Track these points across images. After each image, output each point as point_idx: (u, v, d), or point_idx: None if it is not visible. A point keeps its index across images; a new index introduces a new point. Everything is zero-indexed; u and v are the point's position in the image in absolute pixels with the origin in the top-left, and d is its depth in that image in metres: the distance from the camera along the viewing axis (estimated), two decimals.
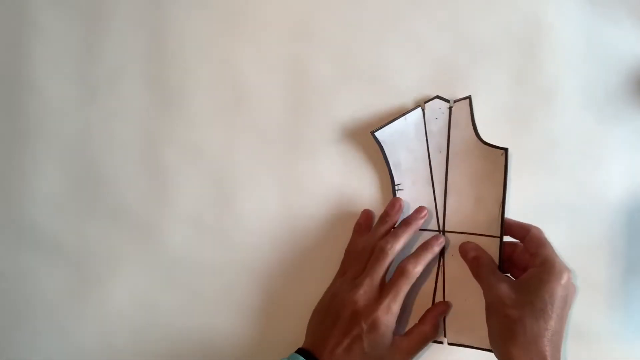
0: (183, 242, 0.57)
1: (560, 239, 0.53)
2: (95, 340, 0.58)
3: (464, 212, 0.54)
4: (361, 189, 0.55)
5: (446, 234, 0.54)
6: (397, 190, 0.55)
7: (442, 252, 0.54)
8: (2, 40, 0.58)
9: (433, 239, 0.53)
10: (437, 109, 0.54)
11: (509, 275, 0.51)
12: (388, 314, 0.49)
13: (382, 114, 0.55)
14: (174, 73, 0.57)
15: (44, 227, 0.58)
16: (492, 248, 0.52)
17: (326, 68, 0.56)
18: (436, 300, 0.54)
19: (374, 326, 0.48)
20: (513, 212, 0.53)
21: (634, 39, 0.54)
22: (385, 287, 0.50)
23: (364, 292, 0.49)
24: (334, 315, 0.50)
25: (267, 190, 0.56)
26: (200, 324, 0.57)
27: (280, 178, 0.56)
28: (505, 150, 0.52)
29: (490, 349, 0.48)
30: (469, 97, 0.54)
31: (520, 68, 0.54)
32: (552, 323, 0.45)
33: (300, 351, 0.50)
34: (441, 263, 0.54)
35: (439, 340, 0.54)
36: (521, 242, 0.51)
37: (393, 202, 0.54)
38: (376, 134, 0.54)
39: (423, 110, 0.55)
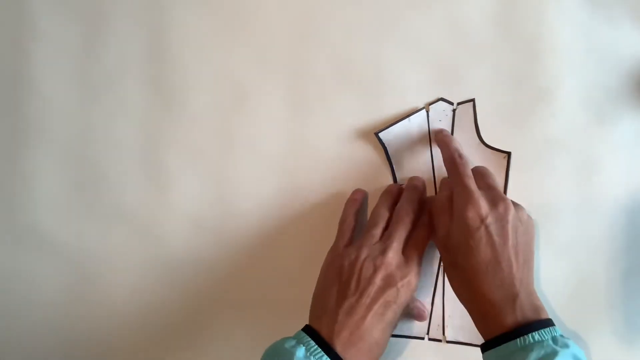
0: (183, 242, 0.57)
1: (560, 239, 0.53)
2: (95, 340, 0.58)
3: None
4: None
5: None
6: None
7: None
8: (2, 40, 0.58)
9: (416, 180, 0.54)
10: (441, 111, 0.54)
11: None
12: (417, 277, 0.49)
13: (381, 113, 0.55)
14: (174, 73, 0.57)
15: (44, 227, 0.58)
16: None
17: (326, 68, 0.56)
18: (436, 300, 0.54)
19: (409, 285, 0.48)
20: None
21: (634, 39, 0.54)
22: (407, 253, 0.50)
23: (395, 254, 0.49)
24: (357, 283, 0.48)
25: (268, 191, 0.56)
26: (199, 324, 0.57)
27: (280, 178, 0.56)
28: (508, 154, 0.52)
29: None
30: (473, 100, 0.54)
31: (520, 68, 0.54)
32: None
33: (308, 330, 0.48)
34: (441, 263, 0.54)
35: (438, 338, 0.54)
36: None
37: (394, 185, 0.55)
38: (380, 134, 0.54)
39: (427, 112, 0.55)
